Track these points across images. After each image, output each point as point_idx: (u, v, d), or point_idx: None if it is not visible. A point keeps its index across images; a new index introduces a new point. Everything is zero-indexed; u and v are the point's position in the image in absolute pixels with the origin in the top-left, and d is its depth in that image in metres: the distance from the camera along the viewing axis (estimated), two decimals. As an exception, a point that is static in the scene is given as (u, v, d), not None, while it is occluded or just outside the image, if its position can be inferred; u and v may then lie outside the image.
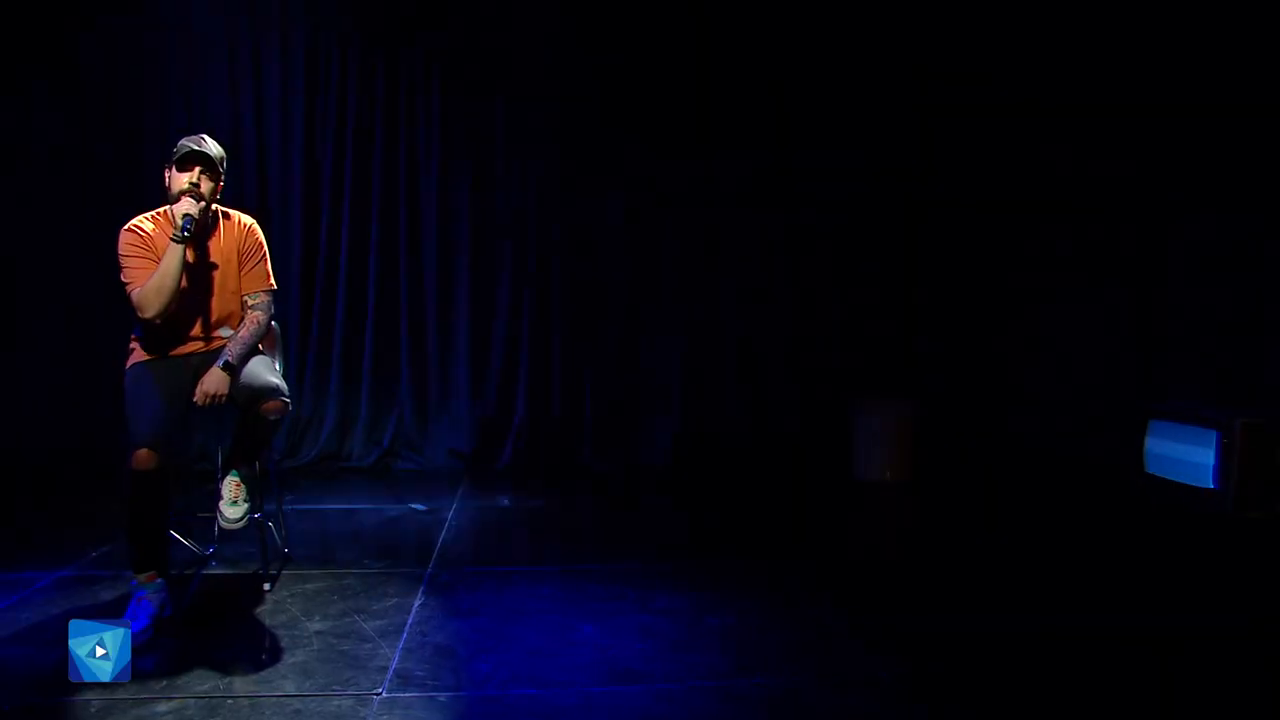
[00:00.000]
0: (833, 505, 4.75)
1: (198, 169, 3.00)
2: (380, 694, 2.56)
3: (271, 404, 3.00)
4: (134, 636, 2.79)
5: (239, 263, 3.18)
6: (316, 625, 3.02)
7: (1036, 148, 5.15)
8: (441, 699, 2.54)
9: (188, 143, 3.01)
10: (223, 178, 3.10)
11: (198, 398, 2.97)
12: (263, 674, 2.67)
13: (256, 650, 2.84)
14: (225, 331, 3.18)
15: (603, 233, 5.25)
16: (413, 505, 4.53)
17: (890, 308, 5.40)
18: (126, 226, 3.08)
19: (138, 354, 3.13)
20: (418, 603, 3.22)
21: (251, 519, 3.24)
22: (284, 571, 3.51)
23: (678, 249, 5.30)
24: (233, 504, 3.21)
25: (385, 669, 2.70)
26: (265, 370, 3.09)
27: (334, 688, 2.58)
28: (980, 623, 3.10)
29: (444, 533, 4.06)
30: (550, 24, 5.11)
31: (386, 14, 5.03)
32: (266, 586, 3.34)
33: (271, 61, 4.95)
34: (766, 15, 5.17)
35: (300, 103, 4.98)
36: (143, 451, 2.83)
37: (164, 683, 2.59)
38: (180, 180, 3.00)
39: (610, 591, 3.33)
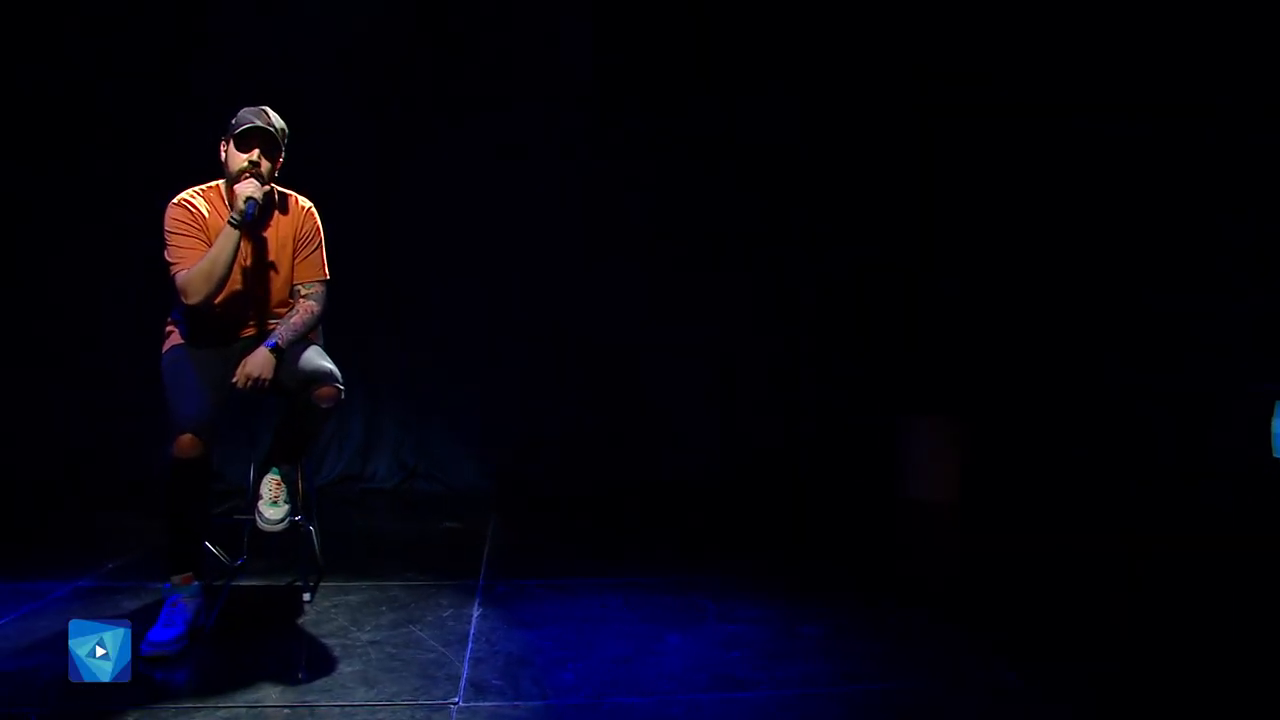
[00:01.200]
0: (886, 520, 4.50)
1: (258, 148, 2.73)
2: (457, 703, 2.27)
3: (325, 390, 2.74)
4: (168, 644, 2.53)
5: (294, 250, 2.92)
6: (369, 635, 2.72)
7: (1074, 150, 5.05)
8: (528, 708, 2.26)
9: (249, 115, 2.74)
10: (284, 153, 2.85)
11: (238, 379, 2.69)
12: (319, 683, 2.38)
13: (308, 659, 2.53)
14: (275, 322, 2.92)
15: (623, 245, 5.04)
16: (446, 523, 4.23)
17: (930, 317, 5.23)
18: (175, 200, 2.80)
19: (176, 337, 2.86)
20: (476, 613, 2.93)
21: (292, 521, 2.95)
22: (321, 584, 3.20)
23: (702, 258, 5.09)
24: (273, 504, 2.94)
25: (456, 678, 2.42)
26: (317, 355, 2.83)
27: (403, 697, 2.30)
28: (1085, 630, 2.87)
29: (486, 548, 3.77)
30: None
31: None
32: (306, 596, 3.04)
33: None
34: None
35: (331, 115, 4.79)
36: (185, 437, 2.55)
37: (208, 692, 2.29)
38: (238, 159, 2.73)
39: (686, 602, 3.06)
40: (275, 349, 2.74)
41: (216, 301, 2.77)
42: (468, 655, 2.57)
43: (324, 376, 2.75)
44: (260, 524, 2.91)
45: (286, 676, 2.40)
